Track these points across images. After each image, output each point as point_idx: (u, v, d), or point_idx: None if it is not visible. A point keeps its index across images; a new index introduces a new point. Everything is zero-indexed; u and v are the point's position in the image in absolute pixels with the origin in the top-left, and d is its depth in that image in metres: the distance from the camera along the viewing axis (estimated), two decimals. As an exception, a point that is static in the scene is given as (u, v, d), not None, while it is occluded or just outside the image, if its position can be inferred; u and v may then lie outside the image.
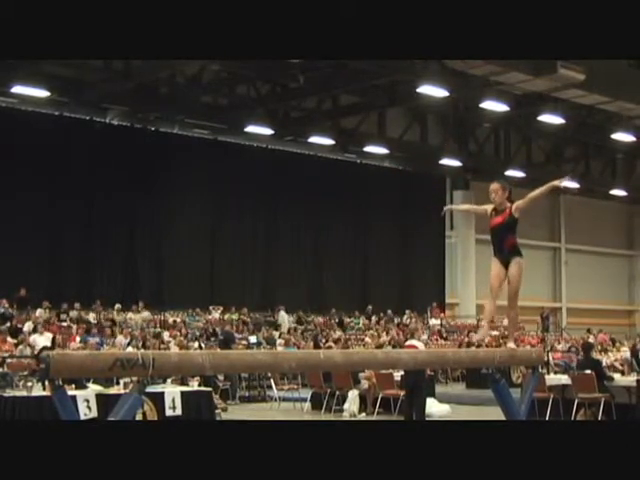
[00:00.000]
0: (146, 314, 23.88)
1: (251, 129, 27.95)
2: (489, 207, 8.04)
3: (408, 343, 15.31)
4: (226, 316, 27.37)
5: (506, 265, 7.89)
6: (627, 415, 14.30)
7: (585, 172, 36.59)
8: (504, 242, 7.93)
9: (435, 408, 16.51)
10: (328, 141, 30.01)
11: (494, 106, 26.35)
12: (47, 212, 25.83)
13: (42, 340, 19.55)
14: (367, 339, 24.50)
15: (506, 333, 30.00)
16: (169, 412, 12.56)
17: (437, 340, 29.19)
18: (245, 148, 29.87)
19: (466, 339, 29.03)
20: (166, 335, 22.73)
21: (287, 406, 18.61)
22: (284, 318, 28.10)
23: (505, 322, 34.49)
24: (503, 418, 7.32)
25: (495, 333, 31.93)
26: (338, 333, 26.15)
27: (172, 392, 12.85)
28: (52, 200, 25.91)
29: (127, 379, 11.14)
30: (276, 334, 25.79)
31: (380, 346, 20.98)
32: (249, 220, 30.73)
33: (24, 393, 11.88)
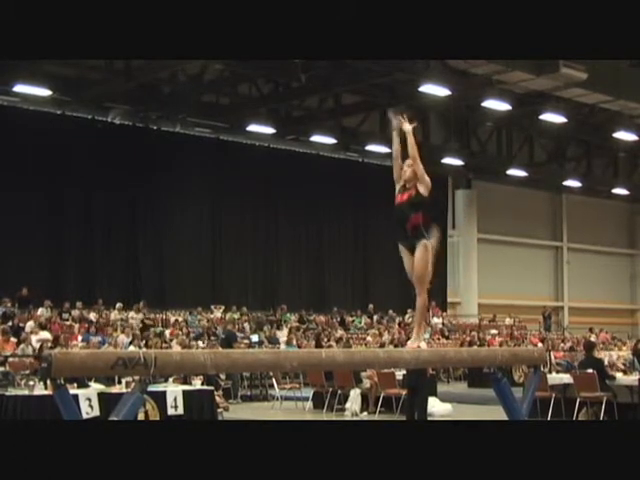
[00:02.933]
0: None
1: (253, 128, 27.96)
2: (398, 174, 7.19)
3: (410, 342, 15.29)
4: (227, 315, 27.38)
5: (414, 251, 7.16)
6: (629, 414, 14.32)
7: (587, 171, 36.59)
8: (407, 224, 7.16)
9: (437, 407, 16.51)
10: (330, 140, 29.99)
11: (496, 105, 26.33)
12: (48, 211, 25.86)
13: (35, 339, 19.54)
14: (369, 338, 24.52)
15: (510, 332, 29.66)
16: (171, 411, 12.57)
17: (439, 339, 29.20)
18: (247, 147, 29.86)
19: (468, 338, 29.07)
20: (167, 334, 22.73)
21: (289, 405, 18.62)
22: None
23: (507, 321, 34.73)
24: (505, 417, 7.32)
25: (494, 332, 31.99)
26: (340, 332, 26.16)
27: (174, 391, 12.85)
28: (53, 199, 25.93)
29: (129, 378, 11.15)
30: (278, 333, 25.80)
31: (382, 345, 20.99)
32: (250, 219, 30.74)
33: (26, 392, 11.90)
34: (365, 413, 16.93)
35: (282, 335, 25.48)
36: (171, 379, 13.62)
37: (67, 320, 23.53)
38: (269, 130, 28.19)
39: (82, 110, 26.51)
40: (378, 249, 33.53)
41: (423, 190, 7.14)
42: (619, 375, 15.67)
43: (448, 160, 32.80)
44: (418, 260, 7.12)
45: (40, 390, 11.64)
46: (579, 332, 33.86)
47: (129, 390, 5.88)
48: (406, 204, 7.12)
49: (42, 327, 21.09)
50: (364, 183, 32.40)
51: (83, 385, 12.22)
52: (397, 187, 7.28)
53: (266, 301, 30.30)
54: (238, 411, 17.12)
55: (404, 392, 15.30)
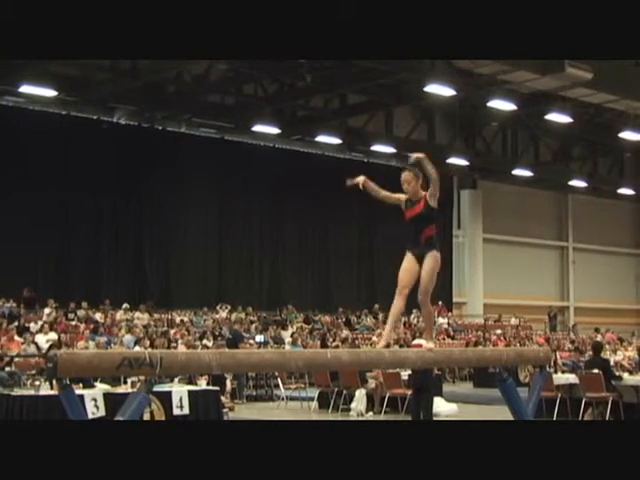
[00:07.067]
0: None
1: (258, 128, 27.95)
2: (403, 197, 7.49)
3: (415, 342, 15.30)
4: (233, 315, 27.37)
5: (421, 260, 7.42)
6: (635, 414, 14.29)
7: (593, 171, 36.54)
8: (421, 234, 7.45)
9: (442, 407, 16.50)
10: (335, 140, 29.99)
11: (501, 105, 26.28)
12: (54, 211, 25.88)
13: (44, 339, 19.57)
14: (374, 338, 24.48)
15: (514, 332, 29.63)
16: (176, 411, 12.57)
17: (444, 339, 29.16)
18: (252, 147, 29.86)
19: (473, 338, 29.03)
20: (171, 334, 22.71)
21: (294, 405, 18.61)
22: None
23: (513, 321, 34.69)
24: (510, 417, 7.32)
25: (499, 332, 31.93)
26: (345, 332, 26.14)
27: (179, 391, 12.86)
28: (59, 199, 25.92)
29: (135, 378, 11.16)
30: (284, 333, 25.79)
31: (387, 345, 20.94)
32: (256, 219, 30.75)
33: (32, 392, 11.91)
34: (370, 413, 16.92)
35: (287, 335, 25.47)
36: (177, 379, 13.63)
37: (73, 320, 23.54)
38: (274, 130, 28.19)
39: (87, 110, 26.55)
40: (383, 249, 33.52)
41: (434, 203, 7.40)
42: (625, 375, 15.66)
43: (453, 160, 32.75)
44: (427, 271, 7.34)
45: (46, 390, 11.65)
46: (585, 332, 33.82)
47: (135, 390, 5.89)
48: (421, 216, 7.39)
49: (51, 327, 21.13)
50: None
51: (89, 385, 12.22)
52: (403, 203, 7.51)
53: (272, 301, 30.30)
54: (243, 411, 17.13)
55: (409, 392, 15.29)
